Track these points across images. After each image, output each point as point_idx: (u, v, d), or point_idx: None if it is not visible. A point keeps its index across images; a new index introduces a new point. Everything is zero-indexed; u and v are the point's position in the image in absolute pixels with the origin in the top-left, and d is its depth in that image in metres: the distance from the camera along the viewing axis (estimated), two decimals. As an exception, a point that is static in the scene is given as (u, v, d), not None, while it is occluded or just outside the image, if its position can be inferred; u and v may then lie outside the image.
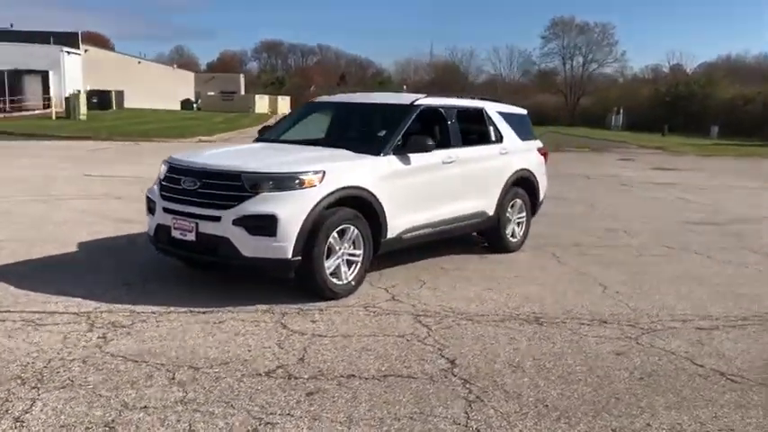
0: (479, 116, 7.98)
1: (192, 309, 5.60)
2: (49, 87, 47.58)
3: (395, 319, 5.53)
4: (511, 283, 6.86)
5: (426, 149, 6.64)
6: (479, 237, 8.43)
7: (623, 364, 4.75)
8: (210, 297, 5.90)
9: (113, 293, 5.94)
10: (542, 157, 8.86)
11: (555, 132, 43.78)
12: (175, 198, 5.96)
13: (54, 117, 38.84)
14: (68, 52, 49.70)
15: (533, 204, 8.62)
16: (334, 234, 5.88)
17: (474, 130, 7.91)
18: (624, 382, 4.45)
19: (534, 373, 4.53)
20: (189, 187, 5.88)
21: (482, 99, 8.35)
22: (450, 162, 7.12)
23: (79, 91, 43.28)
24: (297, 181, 5.68)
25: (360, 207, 6.13)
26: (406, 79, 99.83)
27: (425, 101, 7.25)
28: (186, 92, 71.83)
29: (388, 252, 6.65)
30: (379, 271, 7.02)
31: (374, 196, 6.18)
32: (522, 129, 8.61)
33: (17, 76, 47.76)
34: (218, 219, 5.65)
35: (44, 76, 47.93)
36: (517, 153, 8.25)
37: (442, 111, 7.41)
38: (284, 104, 73.49)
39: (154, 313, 5.47)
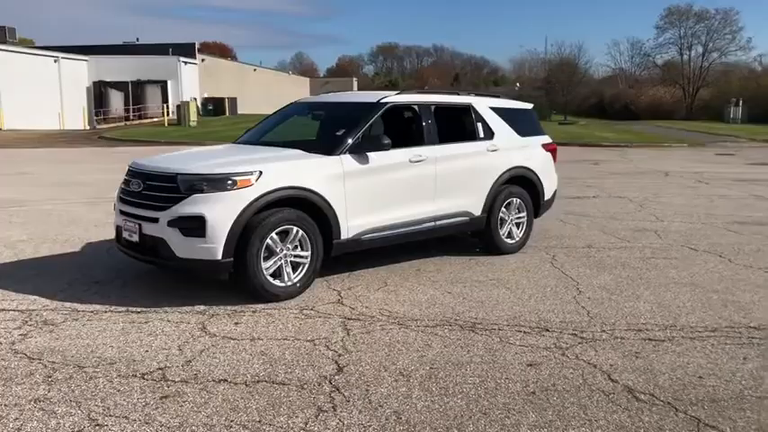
0: (465, 113, 7.66)
1: (131, 308, 5.73)
2: (167, 96, 50.48)
3: (321, 323, 5.40)
4: (479, 286, 6.53)
5: (382, 148, 6.45)
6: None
7: (525, 377, 4.39)
8: (162, 297, 5.99)
9: (74, 291, 6.19)
10: (549, 153, 8.38)
11: (660, 126, 41.43)
12: (126, 200, 6.14)
13: (167, 124, 41.21)
14: (185, 62, 52.52)
15: (536, 204, 8.16)
16: (273, 235, 5.82)
17: (458, 126, 7.60)
18: (509, 397, 4.11)
19: (417, 384, 4.27)
20: (135, 189, 6.03)
21: (476, 94, 8.01)
22: (420, 160, 6.88)
23: (195, 99, 45.77)
24: (229, 182, 5.68)
25: (306, 208, 6.04)
26: (521, 76, 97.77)
27: (394, 98, 7.04)
28: (301, 97, 73.92)
29: (353, 253, 6.56)
30: (350, 272, 6.90)
31: (320, 197, 6.07)
32: (524, 124, 8.19)
33: (140, 86, 51.07)
34: (156, 220, 5.76)
35: (163, 85, 50.94)
36: (512, 150, 7.85)
37: (416, 108, 7.17)
38: (393, 106, 73.81)
39: (92, 312, 5.64)
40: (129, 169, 6.34)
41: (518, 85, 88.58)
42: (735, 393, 4.17)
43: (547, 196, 8.30)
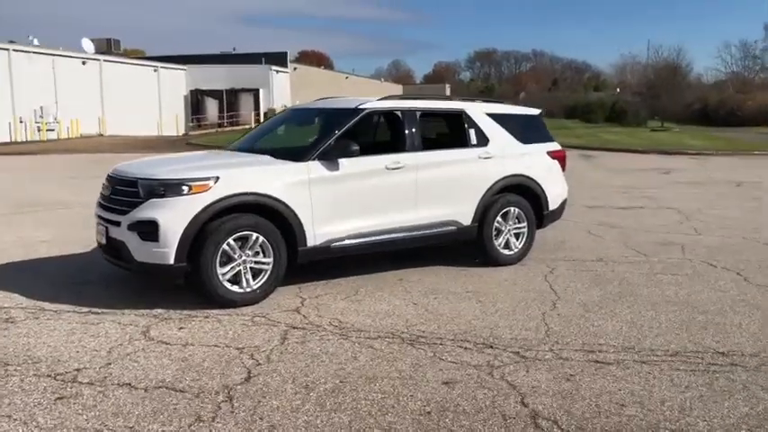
0: (456, 119, 7.41)
1: (94, 309, 5.88)
2: (259, 104, 52.05)
3: (263, 332, 5.35)
4: (452, 298, 6.30)
5: (350, 154, 6.34)
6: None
7: (431, 395, 4.18)
8: (132, 299, 6.10)
9: (53, 291, 6.40)
10: (555, 161, 8.00)
11: (763, 134, 38.84)
12: (100, 204, 6.32)
13: (253, 131, 42.44)
14: (277, 71, 54.00)
15: (538, 214, 7.80)
16: (230, 241, 5.83)
17: (447, 133, 7.39)
18: (399, 416, 3.92)
19: (315, 398, 4.15)
20: (105, 194, 6.20)
21: (471, 101, 7.75)
22: (398, 168, 6.72)
23: (285, 106, 46.95)
24: (184, 187, 5.74)
25: (267, 214, 6.02)
26: (622, 81, 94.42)
27: (374, 104, 6.91)
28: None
29: (342, 259, 6.50)
30: (329, 279, 6.83)
31: (282, 203, 6.03)
32: (527, 131, 7.85)
33: (234, 94, 52.92)
34: (119, 224, 5.90)
35: (255, 93, 52.56)
36: (510, 157, 7.54)
37: (398, 114, 7.01)
38: (484, 112, 73.06)
39: (55, 311, 5.83)
40: (107, 174, 6.53)
41: (617, 90, 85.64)
42: (649, 425, 3.81)
43: (552, 206, 7.91)
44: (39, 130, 38.01)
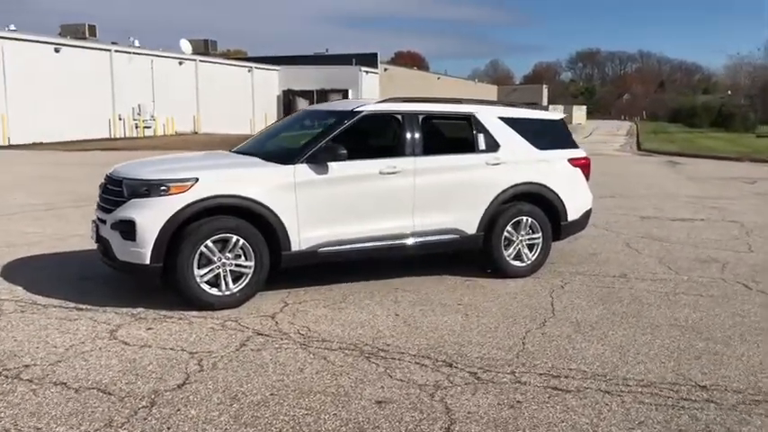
0: (464, 123, 7.10)
1: (79, 305, 6.01)
2: (348, 104, 52.59)
3: (224, 337, 5.28)
4: (438, 311, 6.03)
5: (338, 158, 6.18)
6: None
7: (356, 416, 3.97)
8: (120, 297, 6.18)
9: (53, 285, 6.59)
10: (577, 169, 7.54)
11: None
12: (96, 203, 6.44)
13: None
14: (366, 71, 54.40)
15: (556, 225, 7.36)
16: (209, 243, 5.80)
17: (453, 138, 7.09)
18: (309, 435, 3.73)
19: (235, 410, 4.02)
20: (99, 193, 6.32)
21: (485, 103, 7.40)
22: (394, 172, 6.49)
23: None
24: (162, 188, 5.75)
25: (249, 217, 5.95)
26: (735, 84, 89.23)
27: (371, 107, 6.72)
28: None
29: (342, 264, 6.37)
30: (320, 285, 6.70)
31: (264, 206, 5.95)
32: (546, 137, 7.44)
33: (323, 94, 53.67)
34: (104, 222, 5.99)
35: (344, 94, 53.09)
36: (523, 164, 7.16)
37: (399, 117, 6.77)
38: (580, 114, 71.11)
39: (43, 306, 5.99)
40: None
41: (729, 92, 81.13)
42: (571, 465, 3.45)
43: (572, 216, 7.45)
44: (136, 128, 39.88)
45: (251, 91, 50.60)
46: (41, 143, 31.08)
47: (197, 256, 5.77)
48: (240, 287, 5.96)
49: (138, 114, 40.38)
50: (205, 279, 5.84)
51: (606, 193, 14.47)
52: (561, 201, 7.33)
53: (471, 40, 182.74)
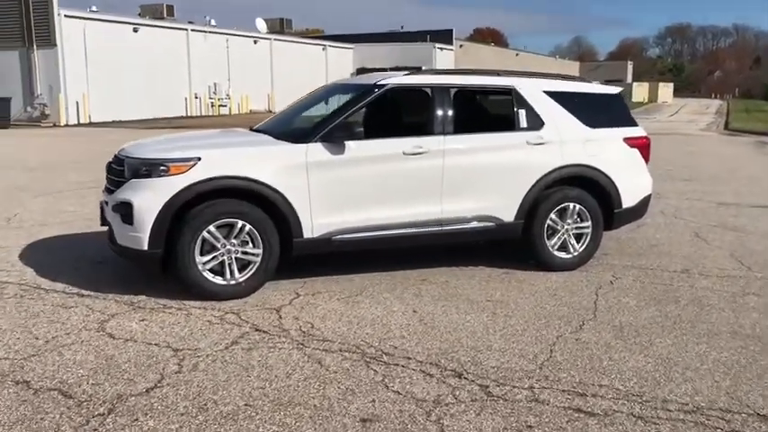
0: (503, 98, 6.36)
1: (83, 291, 5.68)
2: (420, 81, 51.74)
3: (219, 333, 4.81)
4: (464, 308, 5.40)
5: (354, 137, 5.59)
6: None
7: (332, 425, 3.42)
8: (125, 284, 5.83)
9: (60, 269, 6.30)
10: (634, 150, 6.68)
11: None
12: (105, 185, 6.09)
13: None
14: (441, 48, 53.32)
15: (608, 212, 6.56)
16: (212, 228, 5.34)
17: (490, 114, 6.38)
18: (271, 460, 3.21)
19: (198, 423, 3.55)
20: (106, 173, 5.95)
21: (528, 75, 6.62)
22: (420, 153, 5.86)
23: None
24: (162, 168, 5.31)
25: (256, 200, 5.46)
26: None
27: (397, 80, 6.09)
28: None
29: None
30: (339, 275, 6.16)
31: (272, 189, 5.44)
32: (598, 113, 6.61)
33: (395, 71, 53.02)
34: (108, 204, 5.63)
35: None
36: (571, 143, 6.37)
37: (428, 92, 6.11)
38: (666, 92, 67.78)
39: (45, 290, 5.71)
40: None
41: None
42: None
43: (627, 203, 6.61)
44: (212, 106, 40.31)
45: (325, 69, 50.39)
46: (120, 121, 31.73)
47: (199, 242, 5.32)
48: (246, 276, 5.48)
49: (214, 93, 40.78)
50: (208, 267, 5.39)
51: (682, 176, 13.35)
52: (614, 185, 6.51)
53: (554, 14, 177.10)
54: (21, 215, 8.94)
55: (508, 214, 6.21)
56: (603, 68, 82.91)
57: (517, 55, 67.25)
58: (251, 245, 5.48)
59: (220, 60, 41.37)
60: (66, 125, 29.31)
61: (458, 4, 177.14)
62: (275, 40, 46.60)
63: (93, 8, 35.80)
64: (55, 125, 29.11)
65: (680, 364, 4.34)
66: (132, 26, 35.87)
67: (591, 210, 6.46)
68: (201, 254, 5.36)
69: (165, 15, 42.39)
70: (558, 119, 6.38)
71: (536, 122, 6.31)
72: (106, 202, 5.70)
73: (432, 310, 5.32)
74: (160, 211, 5.22)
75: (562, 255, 6.45)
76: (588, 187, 6.46)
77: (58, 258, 6.70)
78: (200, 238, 5.31)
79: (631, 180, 6.63)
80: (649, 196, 6.91)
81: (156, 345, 4.56)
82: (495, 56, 63.34)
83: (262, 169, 5.43)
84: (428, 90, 6.11)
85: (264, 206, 5.47)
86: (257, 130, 6.43)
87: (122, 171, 5.52)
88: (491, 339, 4.74)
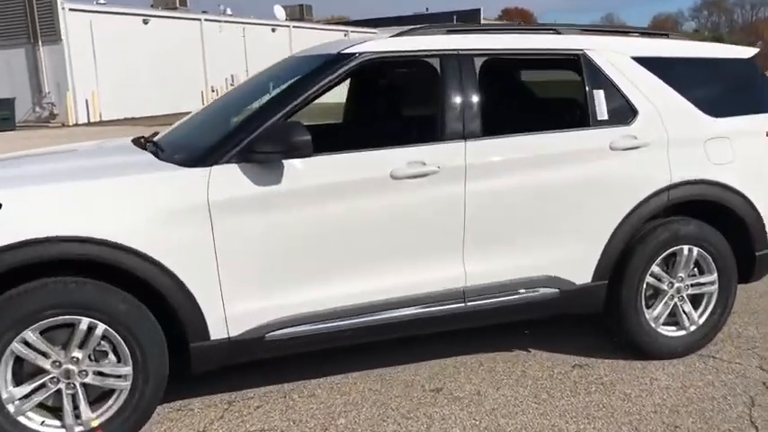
0: (568, 70, 3.72)
1: None
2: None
3: None
4: (491, 415, 2.81)
5: (293, 151, 3.00)
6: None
7: None
8: None
9: None
10: (787, 149, 3.99)
11: None
12: None
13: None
14: (468, 29, 50.69)
15: (746, 257, 3.90)
16: (30, 336, 2.83)
17: (543, 100, 3.73)
18: None
19: None
20: None
21: (605, 32, 3.96)
22: (422, 174, 3.26)
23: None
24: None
25: (117, 278, 2.93)
26: None
27: (375, 46, 3.45)
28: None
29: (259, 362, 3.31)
30: (298, 384, 3.63)
31: (141, 255, 2.90)
32: (722, 92, 3.96)
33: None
34: None
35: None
36: (680, 145, 3.73)
37: (436, 66, 3.46)
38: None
39: None
40: None
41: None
42: None
43: (776, 240, 3.94)
44: (230, 99, 38.23)
45: (348, 56, 48.05)
46: (133, 118, 29.71)
47: (7, 362, 2.81)
48: (104, 415, 2.96)
49: (231, 85, 38.53)
50: (30, 403, 2.88)
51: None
52: (756, 212, 3.84)
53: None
54: None
55: (581, 273, 3.59)
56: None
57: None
58: (113, 359, 2.95)
59: (237, 51, 39.23)
60: (76, 124, 27.41)
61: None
62: (294, 27, 44.24)
63: (101, 0, 33.83)
64: (64, 125, 27.17)
65: None
66: (142, 18, 33.91)
67: (718, 255, 3.81)
68: (17, 383, 2.85)
69: (178, 5, 40.32)
70: (661, 104, 3.71)
71: (624, 112, 3.66)
72: None
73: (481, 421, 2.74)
74: None
75: (670, 332, 3.82)
76: (713, 218, 3.80)
77: None
78: (6, 354, 2.80)
79: (785, 201, 3.93)
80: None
81: None
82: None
83: (118, 219, 2.88)
84: (434, 61, 3.46)
85: (131, 288, 2.93)
86: (152, 143, 3.79)
87: None
88: None
